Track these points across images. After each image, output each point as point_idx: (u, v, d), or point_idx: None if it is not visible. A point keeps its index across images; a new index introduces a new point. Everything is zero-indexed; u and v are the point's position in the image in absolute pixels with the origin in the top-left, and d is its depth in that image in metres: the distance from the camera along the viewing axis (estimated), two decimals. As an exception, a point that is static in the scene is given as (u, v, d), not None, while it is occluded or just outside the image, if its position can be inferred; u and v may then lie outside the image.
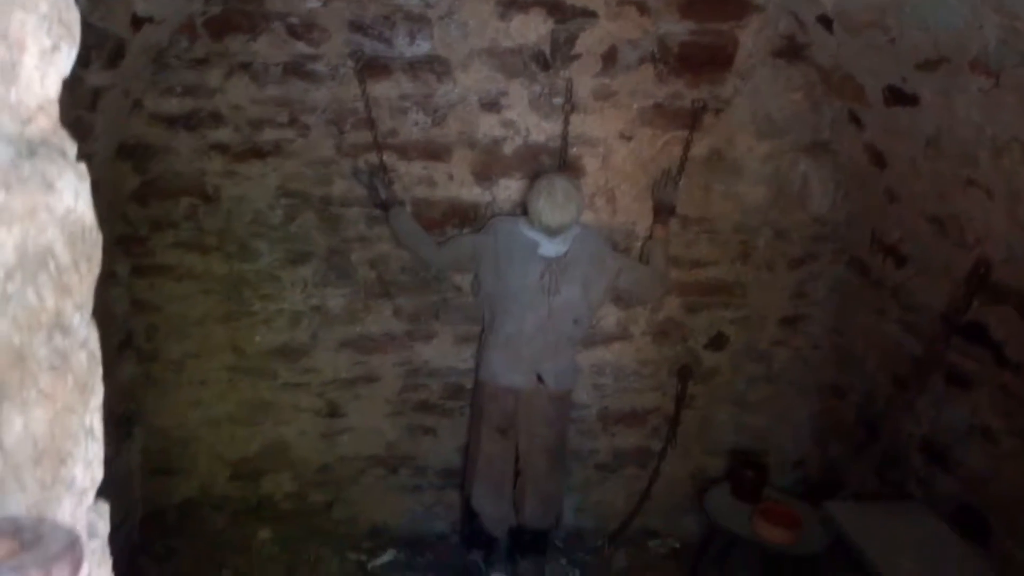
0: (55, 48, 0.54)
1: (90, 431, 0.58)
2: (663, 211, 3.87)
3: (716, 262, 4.10)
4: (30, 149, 0.51)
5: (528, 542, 4.03)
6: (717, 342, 4.22)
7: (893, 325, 3.67)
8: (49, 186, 0.52)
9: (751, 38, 3.73)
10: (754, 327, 4.21)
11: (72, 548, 0.45)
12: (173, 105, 3.65)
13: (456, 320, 4.10)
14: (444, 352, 4.15)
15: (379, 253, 3.95)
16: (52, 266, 0.52)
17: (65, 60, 0.56)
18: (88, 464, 0.57)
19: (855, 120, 3.64)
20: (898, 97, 3.22)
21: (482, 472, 3.88)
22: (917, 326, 3.50)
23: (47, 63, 0.54)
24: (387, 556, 4.10)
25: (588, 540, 4.36)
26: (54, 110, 0.56)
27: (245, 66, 3.63)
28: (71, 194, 0.54)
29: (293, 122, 3.72)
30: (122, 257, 3.77)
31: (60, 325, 0.54)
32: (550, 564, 4.13)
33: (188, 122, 3.68)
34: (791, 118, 3.86)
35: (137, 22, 3.14)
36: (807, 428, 4.38)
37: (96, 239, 0.58)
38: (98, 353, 0.60)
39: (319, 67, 3.66)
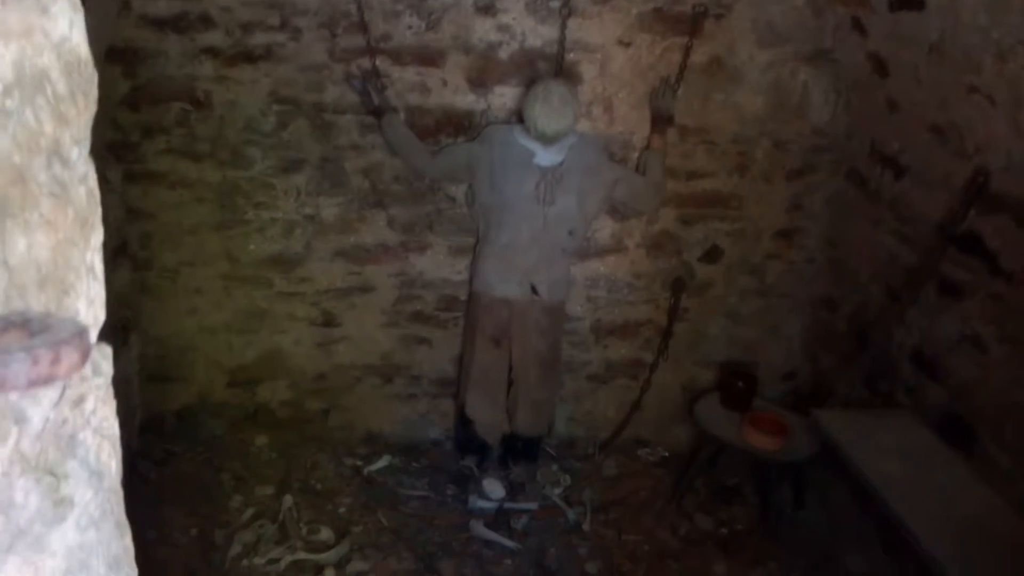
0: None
1: (91, 268, 0.57)
2: (661, 121, 3.82)
3: (713, 173, 4.07)
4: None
5: (520, 449, 4.12)
6: (712, 255, 4.22)
7: (888, 236, 3.67)
8: (44, 9, 0.50)
9: (754, -59, 3.64)
10: (749, 240, 4.20)
11: (80, 335, 0.45)
12: (161, 7, 3.56)
13: (450, 231, 4.08)
14: (438, 263, 4.14)
15: (372, 162, 3.91)
16: (49, 91, 0.51)
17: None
18: (91, 302, 0.57)
19: (858, 27, 3.57)
20: (904, 1, 3.16)
21: (476, 381, 3.93)
22: (912, 237, 3.50)
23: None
24: (382, 462, 4.16)
25: (579, 448, 4.44)
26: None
27: (235, -35, 3.53)
28: (65, 21, 0.52)
29: (284, 25, 3.64)
30: (114, 163, 3.72)
31: (59, 154, 0.53)
32: (541, 470, 4.21)
33: (177, 25, 3.59)
34: (793, 25, 3.79)
35: (122, -85, 3.05)
36: (798, 341, 4.42)
37: (92, 75, 0.56)
38: (97, 193, 0.59)
39: (311, -33, 3.57)
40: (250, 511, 3.67)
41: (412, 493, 4.01)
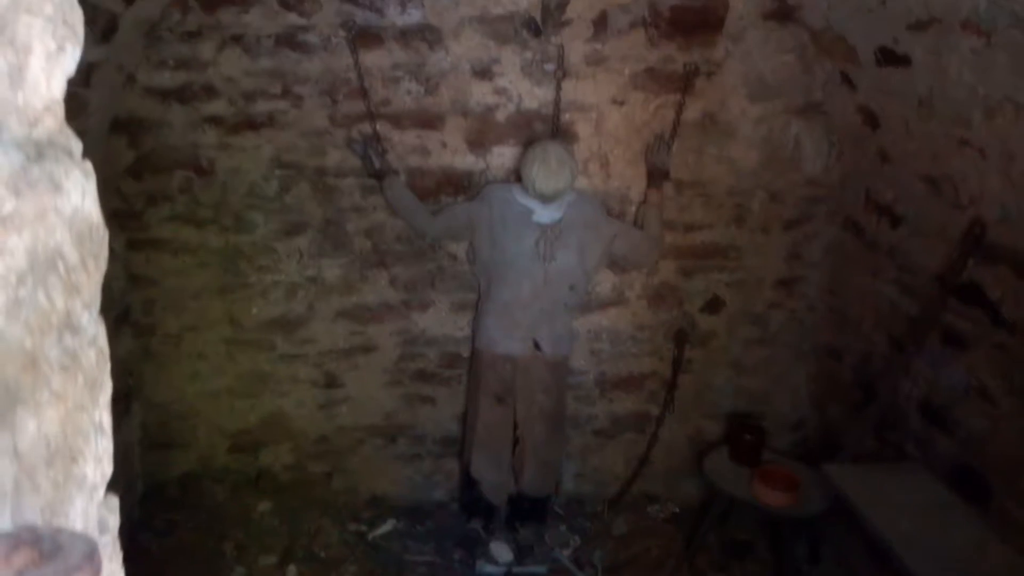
0: (60, 49, 0.54)
1: (99, 427, 0.59)
2: (657, 175, 3.87)
3: (711, 225, 4.10)
4: (38, 152, 0.51)
5: (528, 509, 4.08)
6: (713, 305, 4.24)
7: (889, 286, 3.68)
8: (57, 187, 0.52)
9: (741, 0, 3.71)
10: (750, 290, 4.22)
11: (91, 558, 0.46)
12: (166, 78, 3.64)
13: (452, 288, 4.11)
14: (441, 320, 4.16)
15: (374, 223, 3.96)
16: (61, 267, 0.53)
17: (70, 60, 0.56)
18: (98, 460, 0.58)
19: (847, 81, 3.62)
20: (890, 58, 3.21)
21: (481, 440, 3.92)
22: (913, 287, 3.51)
23: (53, 64, 0.54)
24: (387, 526, 4.13)
25: (588, 506, 4.40)
26: (60, 110, 0.56)
27: (237, 38, 3.61)
28: (78, 193, 0.54)
29: (286, 93, 3.71)
30: (117, 232, 3.76)
31: (70, 325, 0.54)
32: (550, 530, 4.17)
33: (181, 95, 3.67)
34: (783, 80, 3.85)
35: (128, -5, 3.11)
36: (804, 390, 4.41)
37: (103, 236, 0.58)
38: (106, 349, 0.60)
39: (311, 38, 3.64)
40: (253, 584, 3.64)
41: (418, 559, 3.97)
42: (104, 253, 0.58)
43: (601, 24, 3.71)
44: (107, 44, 3.16)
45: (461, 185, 3.94)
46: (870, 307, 3.84)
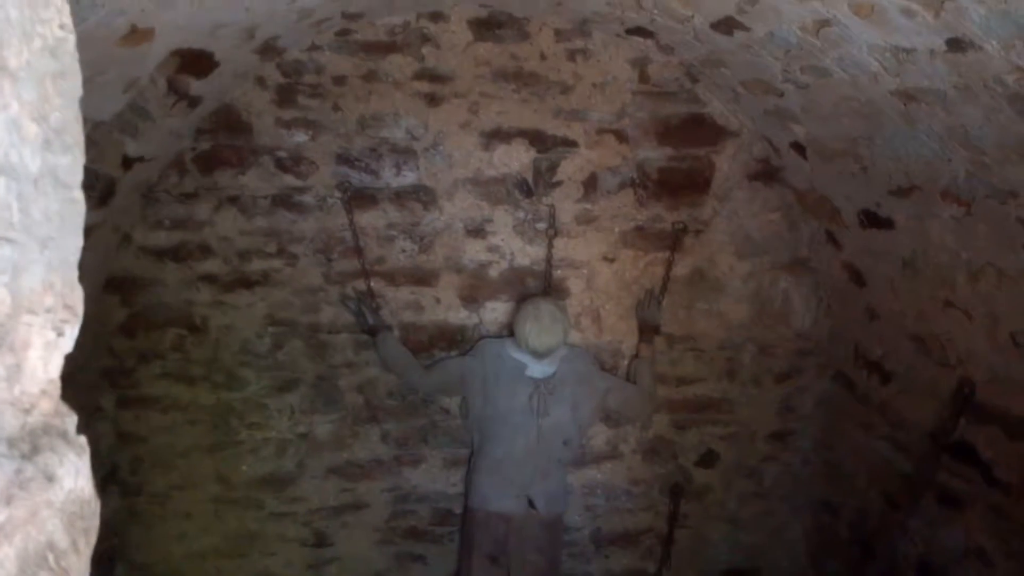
0: (59, 334, 0.56)
1: None
2: (648, 330, 3.91)
3: (703, 379, 4.11)
4: (32, 445, 0.52)
5: (524, 673, 3.90)
6: (707, 459, 4.20)
7: (882, 442, 3.66)
8: (50, 479, 0.53)
9: (727, 162, 3.85)
10: (743, 443, 4.20)
11: None
12: (162, 238, 3.70)
13: (444, 444, 4.07)
14: (433, 477, 4.10)
15: (367, 378, 3.95)
16: (51, 559, 0.53)
17: (69, 341, 0.57)
18: None
19: (832, 240, 3.72)
20: (873, 220, 3.30)
21: (474, 602, 3.79)
22: (906, 444, 3.49)
23: (51, 350, 0.55)
24: None
25: (585, 669, 4.23)
26: (56, 389, 0.57)
27: (233, 199, 3.69)
28: (71, 477, 0.55)
29: (281, 252, 3.77)
30: (108, 390, 3.75)
31: (58, 615, 0.54)
32: None
33: (176, 254, 3.72)
34: (770, 237, 3.95)
35: (128, 162, 3.21)
36: (802, 546, 4.32)
37: (95, 508, 0.58)
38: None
39: (307, 198, 3.73)
40: None
41: None
42: (95, 524, 0.59)
43: (591, 185, 3.83)
44: (104, 208, 3.23)
45: (454, 339, 3.96)
46: (864, 462, 3.81)
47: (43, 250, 0.54)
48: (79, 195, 0.62)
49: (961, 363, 3.10)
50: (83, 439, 0.58)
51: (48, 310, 0.54)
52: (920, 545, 3.41)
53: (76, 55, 0.64)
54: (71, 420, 0.58)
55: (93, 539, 0.59)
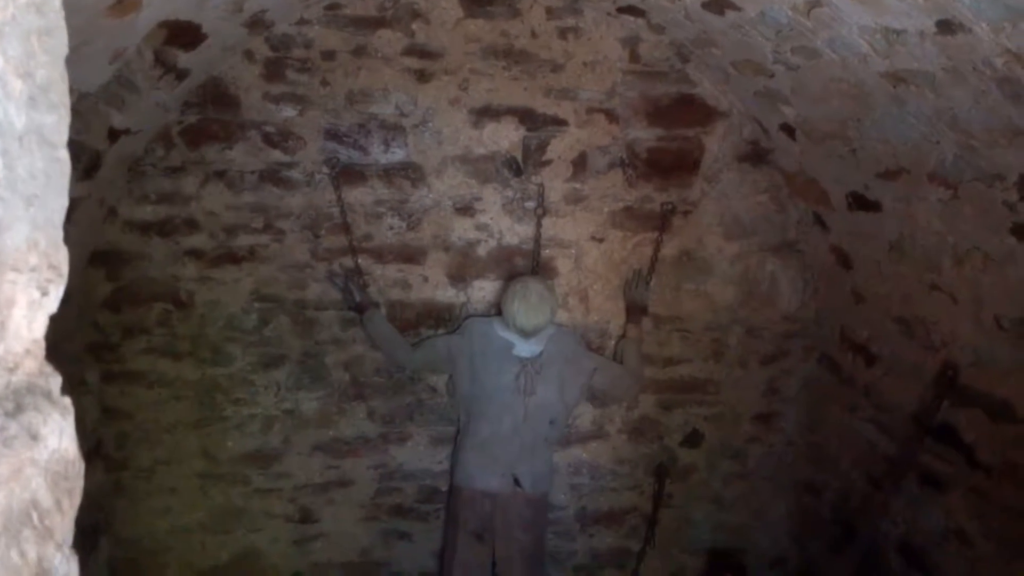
0: (44, 294, 0.55)
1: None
2: (635, 311, 3.92)
3: (689, 360, 4.13)
4: (16, 404, 0.52)
5: (507, 650, 3.93)
6: (692, 439, 4.23)
7: (866, 424, 3.69)
8: (34, 437, 0.52)
9: (717, 143, 3.85)
10: (728, 424, 4.22)
11: None
12: (148, 212, 3.67)
13: (431, 421, 4.08)
14: (419, 454, 4.11)
15: (353, 355, 3.95)
16: (35, 516, 0.53)
17: (53, 301, 0.57)
18: None
19: (820, 222, 3.73)
20: (861, 203, 3.31)
21: (458, 579, 3.81)
22: (889, 426, 3.52)
23: (35, 310, 0.55)
24: (361, 667, 3.97)
25: (567, 646, 4.26)
26: (40, 349, 0.57)
27: (220, 174, 3.67)
28: (56, 437, 0.55)
29: (268, 228, 3.75)
30: (93, 364, 3.73)
31: (42, 571, 0.54)
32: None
33: (162, 229, 3.69)
34: (758, 219, 3.95)
35: (114, 134, 3.18)
36: (784, 526, 4.36)
37: (79, 470, 0.58)
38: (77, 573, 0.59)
39: (294, 174, 3.71)
40: None
41: None
42: (79, 485, 0.58)
43: (580, 164, 3.82)
44: (90, 180, 3.20)
45: (442, 318, 3.96)
46: (847, 444, 3.84)
47: (28, 208, 0.54)
48: (64, 154, 0.62)
49: (945, 346, 3.12)
50: (68, 400, 0.57)
51: (33, 269, 0.53)
52: (901, 526, 3.44)
53: (62, 12, 0.63)
54: (55, 380, 0.57)
55: (77, 500, 0.59)
